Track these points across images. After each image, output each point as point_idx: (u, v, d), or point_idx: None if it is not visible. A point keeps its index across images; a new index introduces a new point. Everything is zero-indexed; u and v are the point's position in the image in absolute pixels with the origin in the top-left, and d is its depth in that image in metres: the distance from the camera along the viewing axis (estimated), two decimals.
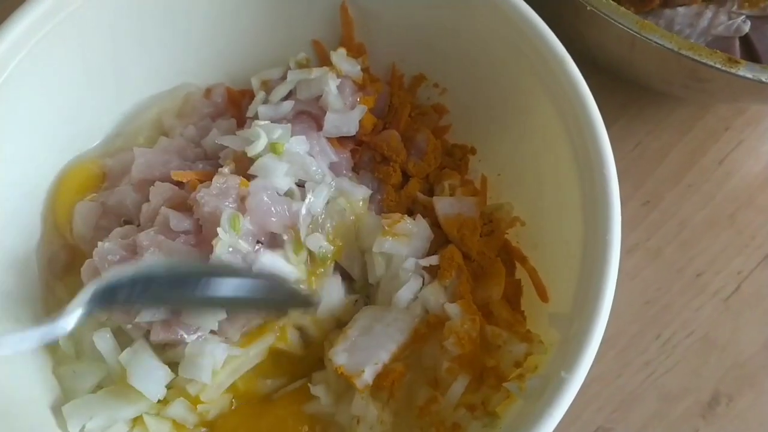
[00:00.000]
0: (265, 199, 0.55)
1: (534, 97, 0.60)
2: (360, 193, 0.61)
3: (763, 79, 0.59)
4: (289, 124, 0.59)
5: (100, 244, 0.53)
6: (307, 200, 0.57)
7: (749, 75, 0.57)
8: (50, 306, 0.59)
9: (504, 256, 0.60)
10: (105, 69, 0.62)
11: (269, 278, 0.55)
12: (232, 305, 0.53)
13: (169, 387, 0.54)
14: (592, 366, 0.67)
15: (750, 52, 0.68)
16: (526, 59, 0.60)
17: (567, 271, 0.55)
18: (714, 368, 0.71)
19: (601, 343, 0.50)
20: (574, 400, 0.67)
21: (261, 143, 0.57)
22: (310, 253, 0.57)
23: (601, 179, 0.54)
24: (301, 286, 0.56)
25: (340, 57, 0.65)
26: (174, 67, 0.66)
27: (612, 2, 0.60)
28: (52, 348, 0.56)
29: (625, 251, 0.73)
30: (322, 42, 0.69)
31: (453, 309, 0.56)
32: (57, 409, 0.53)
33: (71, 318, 0.46)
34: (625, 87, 0.76)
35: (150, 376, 0.52)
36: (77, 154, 0.63)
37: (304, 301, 0.57)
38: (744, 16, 0.68)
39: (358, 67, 0.66)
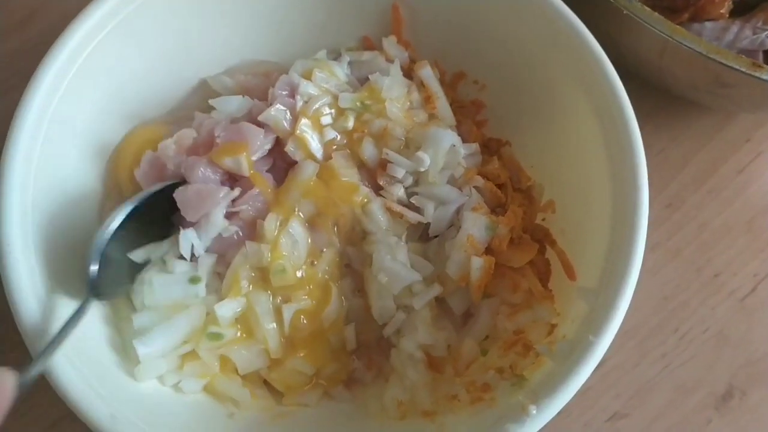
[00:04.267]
0: None
1: (570, 95, 0.65)
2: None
3: None
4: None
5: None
6: None
7: None
8: None
9: (535, 237, 0.65)
10: (176, 47, 0.67)
11: None
12: None
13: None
14: (611, 355, 0.72)
15: None
16: (564, 59, 0.64)
17: (593, 252, 0.59)
18: (728, 363, 0.74)
19: (621, 334, 0.55)
20: (593, 386, 0.71)
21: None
22: None
23: (632, 167, 0.59)
24: None
25: (390, 43, 0.71)
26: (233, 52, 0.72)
27: (646, 8, 0.65)
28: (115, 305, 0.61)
29: (648, 249, 0.76)
30: (371, 39, 0.74)
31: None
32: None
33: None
34: (653, 95, 0.80)
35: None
36: (142, 122, 0.68)
37: None
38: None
39: (406, 54, 0.71)
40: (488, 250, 0.62)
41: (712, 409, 0.73)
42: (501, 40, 0.69)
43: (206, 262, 0.60)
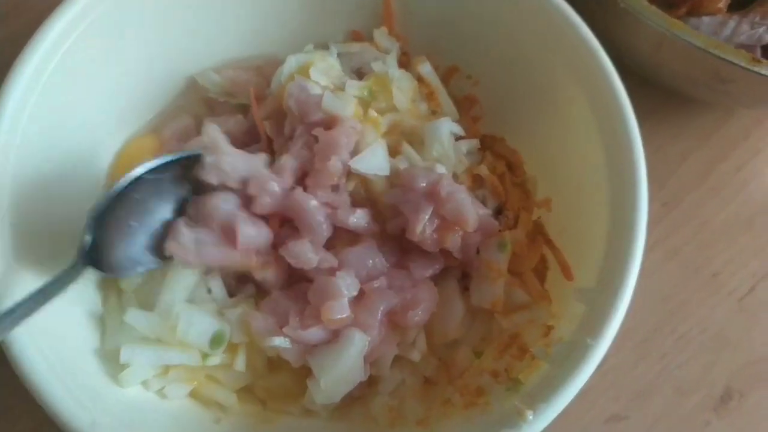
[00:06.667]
0: None
1: (566, 90, 0.63)
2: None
3: None
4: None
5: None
6: None
7: None
8: None
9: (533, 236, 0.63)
10: (160, 44, 0.65)
11: None
12: None
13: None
14: (609, 356, 0.69)
15: None
16: (560, 53, 0.63)
17: (591, 251, 0.57)
18: (727, 365, 0.73)
19: (619, 336, 0.53)
20: (592, 388, 0.69)
21: None
22: None
23: (630, 164, 0.57)
24: None
25: (381, 35, 0.69)
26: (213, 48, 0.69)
27: (643, 1, 0.63)
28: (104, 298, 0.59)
29: (645, 248, 0.74)
30: (361, 33, 0.73)
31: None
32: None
33: None
34: (651, 93, 0.78)
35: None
36: (135, 128, 0.67)
37: None
38: (766, 26, 0.71)
39: (397, 45, 0.69)
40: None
41: (710, 411, 0.71)
42: (495, 33, 0.68)
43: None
